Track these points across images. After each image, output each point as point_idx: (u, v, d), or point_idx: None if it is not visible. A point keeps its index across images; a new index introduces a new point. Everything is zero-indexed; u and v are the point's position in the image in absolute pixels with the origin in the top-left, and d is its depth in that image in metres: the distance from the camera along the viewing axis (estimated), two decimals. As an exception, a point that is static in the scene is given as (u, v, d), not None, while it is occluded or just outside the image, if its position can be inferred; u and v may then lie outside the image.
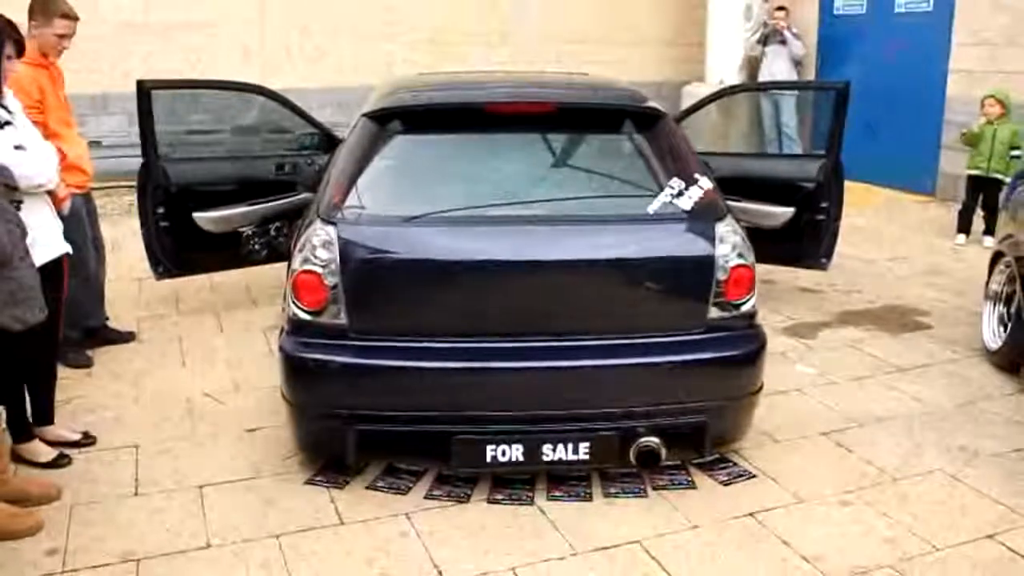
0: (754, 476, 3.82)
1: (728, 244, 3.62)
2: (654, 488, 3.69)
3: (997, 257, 5.27)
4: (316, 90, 9.19)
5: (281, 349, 3.60)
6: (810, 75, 10.89)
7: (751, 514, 3.54)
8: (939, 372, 4.97)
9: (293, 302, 3.55)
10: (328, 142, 5.55)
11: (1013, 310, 4.84)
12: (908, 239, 7.98)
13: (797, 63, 10.61)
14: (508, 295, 3.55)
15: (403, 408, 3.53)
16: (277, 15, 10.11)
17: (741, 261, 3.63)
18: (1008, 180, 6.95)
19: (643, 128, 3.95)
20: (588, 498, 3.62)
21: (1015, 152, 7.47)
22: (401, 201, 3.69)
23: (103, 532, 3.37)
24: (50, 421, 4.01)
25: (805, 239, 5.59)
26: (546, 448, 3.50)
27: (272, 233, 5.47)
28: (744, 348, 3.70)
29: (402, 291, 3.53)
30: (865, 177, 9.08)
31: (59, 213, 3.90)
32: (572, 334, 3.58)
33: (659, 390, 3.61)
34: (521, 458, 3.51)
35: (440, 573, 3.16)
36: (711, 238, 3.62)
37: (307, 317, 3.53)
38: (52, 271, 3.60)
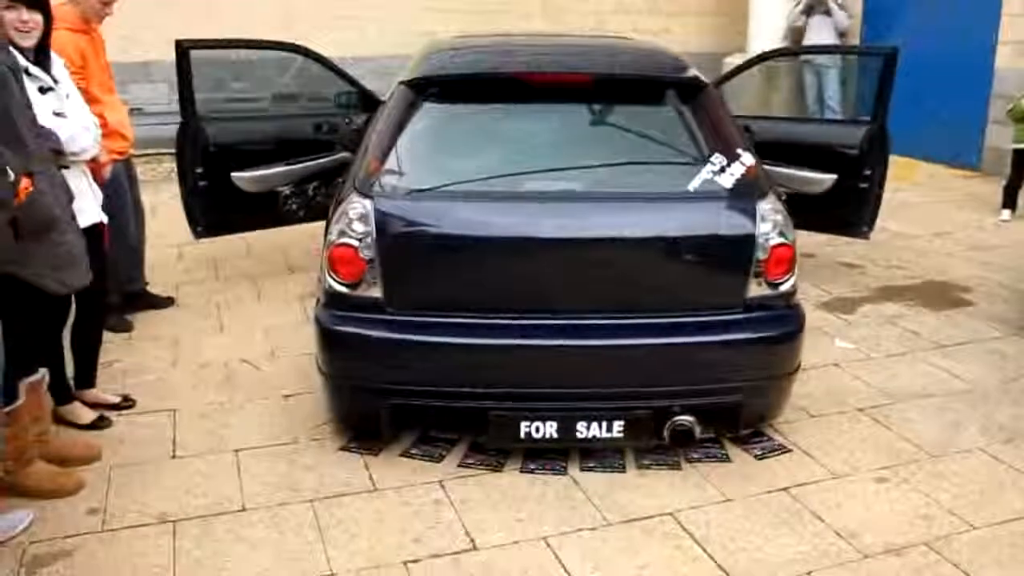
0: (789, 450, 3.79)
1: (769, 223, 3.57)
2: (687, 460, 3.68)
3: (1043, 233, 5.17)
4: (354, 58, 9.19)
5: (317, 321, 3.61)
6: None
7: (785, 489, 3.52)
8: (980, 349, 4.90)
9: (329, 275, 3.56)
10: (366, 101, 5.52)
11: (1058, 288, 4.76)
12: (952, 214, 7.85)
13: (842, 34, 10.42)
14: (545, 271, 3.53)
15: (437, 383, 3.53)
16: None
17: (782, 240, 3.58)
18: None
19: (685, 99, 3.90)
20: (621, 469, 3.62)
21: None
22: (438, 174, 3.67)
23: (141, 494, 3.43)
24: (91, 384, 4.08)
25: (848, 207, 5.46)
26: (580, 425, 3.50)
27: (310, 193, 5.47)
28: (782, 328, 3.66)
29: (438, 265, 3.53)
30: (909, 151, 8.92)
31: (100, 180, 3.94)
32: (609, 312, 3.56)
33: (695, 369, 3.58)
34: (555, 435, 3.51)
35: (472, 540, 3.18)
36: (752, 216, 3.56)
37: (343, 290, 3.53)
38: (92, 237, 3.64)
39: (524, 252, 3.53)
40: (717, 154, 3.67)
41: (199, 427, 3.95)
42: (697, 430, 3.54)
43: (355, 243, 3.48)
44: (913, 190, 8.31)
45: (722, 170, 3.63)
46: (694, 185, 3.61)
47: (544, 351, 3.50)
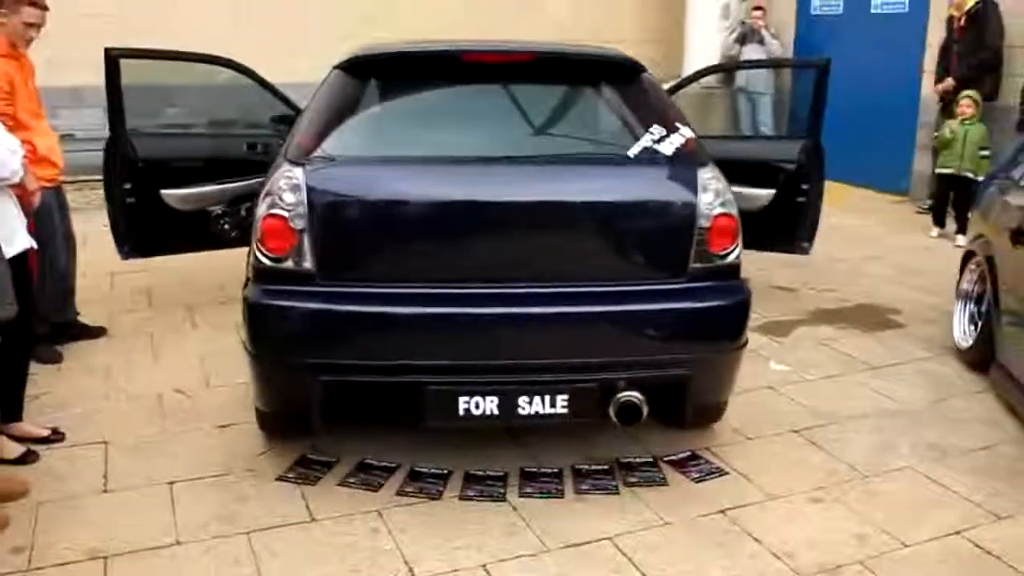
0: (726, 473, 3.82)
1: (711, 192, 3.55)
2: (626, 485, 3.69)
3: (968, 257, 5.31)
4: (294, 85, 9.14)
5: (245, 299, 3.48)
6: (787, 74, 10.92)
7: (723, 511, 3.55)
8: (911, 370, 5.01)
9: (258, 248, 3.44)
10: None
11: (983, 309, 4.88)
12: (882, 238, 8.04)
13: (774, 62, 10.67)
14: (482, 238, 3.47)
15: (372, 357, 3.43)
16: (252, 15, 10.02)
17: (724, 210, 3.56)
18: (979, 178, 7.13)
19: (622, 80, 3.89)
20: (560, 495, 3.62)
21: (984, 152, 7.58)
22: (371, 144, 3.63)
23: (70, 530, 3.34)
24: (18, 417, 3.97)
25: (787, 222, 5.51)
26: (522, 400, 3.40)
27: (243, 213, 5.34)
28: (727, 299, 3.61)
29: (371, 235, 3.45)
30: (840, 176, 9.10)
31: (29, 207, 3.86)
32: (549, 280, 3.49)
33: (639, 340, 3.53)
34: (496, 411, 3.40)
35: (411, 570, 3.15)
36: (693, 185, 3.54)
37: (272, 263, 3.42)
38: (18, 266, 3.56)
39: (460, 217, 3.46)
40: (656, 125, 3.67)
41: (131, 460, 3.86)
42: (645, 409, 3.47)
43: (286, 214, 3.38)
44: (845, 214, 8.48)
45: (661, 139, 3.62)
46: (634, 151, 3.59)
47: (482, 321, 3.41)
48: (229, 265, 5.78)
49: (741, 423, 4.18)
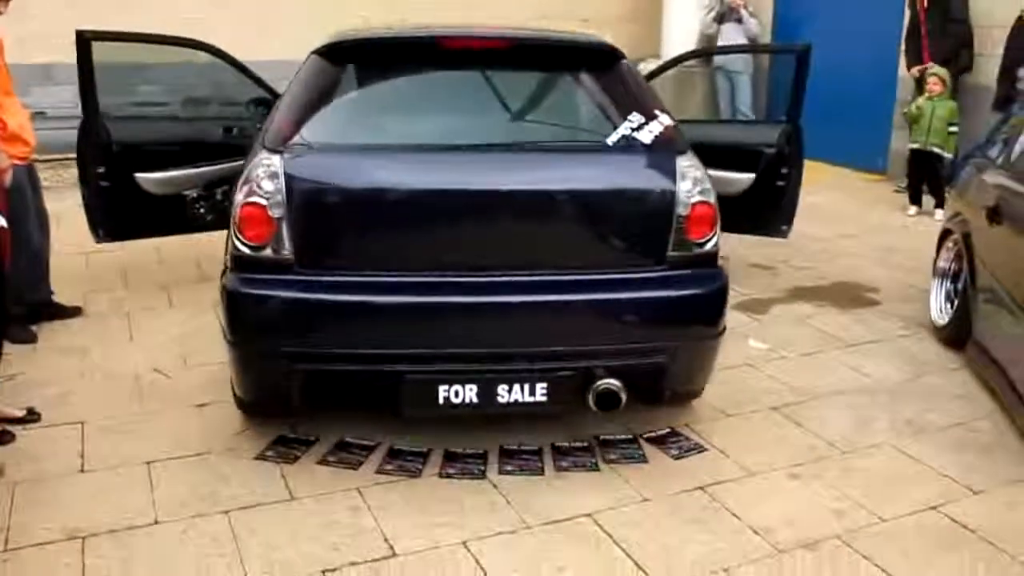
0: (705, 450, 3.84)
1: (689, 180, 3.55)
2: (606, 462, 3.70)
3: (945, 235, 5.35)
4: (275, 62, 9.05)
5: (223, 288, 3.46)
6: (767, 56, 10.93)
7: (702, 487, 3.56)
8: (888, 348, 5.04)
9: (236, 236, 3.41)
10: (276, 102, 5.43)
11: (960, 287, 4.92)
12: (860, 216, 8.08)
13: (753, 41, 10.64)
14: (461, 227, 3.45)
15: (351, 346, 3.42)
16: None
17: (703, 198, 3.56)
18: (947, 155, 7.23)
19: (601, 67, 3.88)
20: (540, 472, 3.62)
21: (952, 128, 7.71)
22: (349, 132, 3.60)
23: (47, 510, 3.31)
24: (-8, 397, 3.93)
25: (766, 206, 5.53)
26: (501, 389, 3.41)
27: (219, 197, 5.32)
28: (705, 287, 3.62)
29: (350, 223, 3.43)
30: (818, 155, 9.14)
31: (0, 186, 3.81)
32: (528, 269, 3.48)
33: (617, 328, 3.54)
34: (475, 400, 3.41)
35: (391, 547, 3.15)
36: (672, 173, 3.54)
37: (251, 252, 3.40)
38: (-9, 244, 3.51)
39: (439, 206, 3.45)
40: (635, 112, 3.66)
41: (109, 439, 3.83)
42: (623, 396, 3.49)
43: (264, 201, 3.36)
44: (822, 193, 8.52)
45: (640, 127, 3.62)
46: (612, 139, 3.59)
47: (461, 309, 3.41)
48: (205, 243, 5.75)
49: (720, 400, 4.19)
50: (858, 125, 9.65)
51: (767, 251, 6.41)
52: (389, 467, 3.62)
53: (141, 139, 5.23)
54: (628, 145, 3.60)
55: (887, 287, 6.06)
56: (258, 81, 5.51)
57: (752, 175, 5.37)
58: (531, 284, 3.46)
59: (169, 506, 3.35)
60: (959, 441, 3.97)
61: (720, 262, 3.71)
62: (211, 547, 3.12)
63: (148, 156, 5.16)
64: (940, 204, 7.52)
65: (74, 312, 5.23)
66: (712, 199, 3.60)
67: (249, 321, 3.48)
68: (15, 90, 4.69)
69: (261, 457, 3.68)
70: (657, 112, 3.71)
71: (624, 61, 3.95)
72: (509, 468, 3.63)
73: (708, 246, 3.62)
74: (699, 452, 3.83)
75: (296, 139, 3.49)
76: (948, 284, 5.22)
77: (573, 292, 3.47)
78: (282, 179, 3.36)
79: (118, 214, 5.21)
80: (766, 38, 10.90)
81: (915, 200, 8.14)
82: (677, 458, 3.77)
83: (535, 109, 3.89)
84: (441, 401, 3.41)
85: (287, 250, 3.39)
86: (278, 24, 10.01)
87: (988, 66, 8.13)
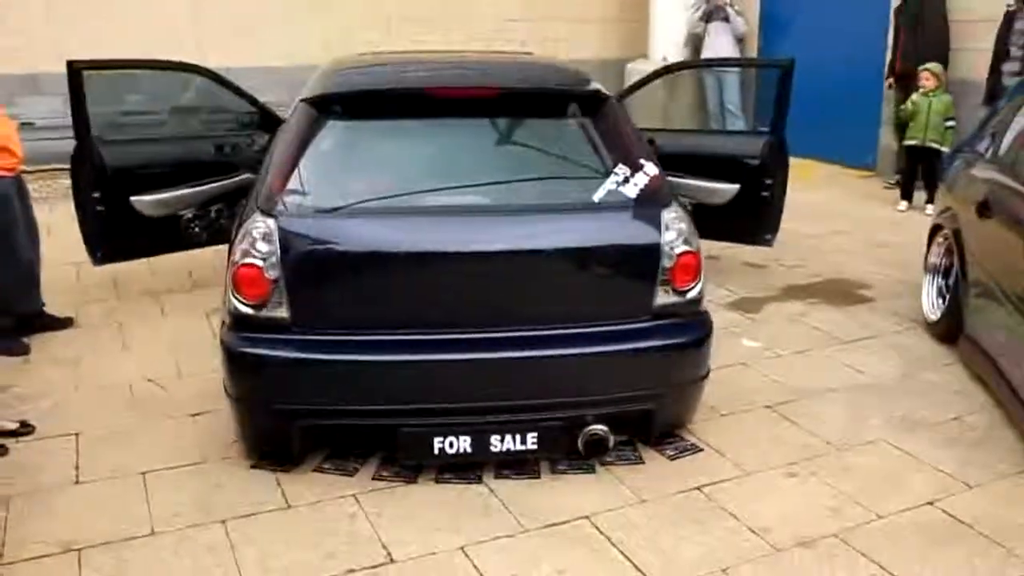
0: (701, 450, 3.85)
1: (674, 231, 3.61)
2: (601, 464, 3.70)
3: (936, 230, 5.36)
4: (257, 69, 9.04)
5: (222, 343, 3.54)
6: (753, 52, 10.92)
7: (698, 487, 3.57)
8: (881, 344, 5.05)
9: (234, 296, 3.48)
10: (267, 120, 5.44)
11: (951, 282, 4.93)
12: (850, 213, 8.09)
13: (740, 40, 10.66)
14: (453, 286, 3.51)
15: (348, 402, 3.50)
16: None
17: (687, 248, 3.62)
18: (945, 149, 7.24)
19: (588, 112, 3.92)
20: (536, 475, 3.63)
21: (949, 123, 7.71)
22: (341, 191, 3.62)
23: (43, 523, 3.30)
24: (-15, 410, 3.92)
25: (750, 216, 5.60)
26: (494, 439, 3.50)
27: (213, 215, 5.36)
28: (691, 335, 3.71)
29: (345, 283, 3.49)
30: (807, 152, 9.18)
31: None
32: (518, 324, 3.56)
33: (606, 379, 3.61)
34: (469, 449, 3.50)
35: (389, 554, 3.15)
36: (657, 225, 3.60)
37: (248, 311, 3.46)
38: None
39: (431, 267, 3.52)
40: (620, 165, 3.71)
41: (103, 450, 3.82)
42: (611, 439, 3.58)
43: (259, 263, 3.41)
44: (813, 190, 8.54)
45: (626, 180, 3.66)
46: (599, 196, 3.63)
47: (454, 366, 3.49)
48: (196, 254, 5.73)
49: (715, 400, 4.19)
50: (847, 122, 9.66)
51: (760, 250, 6.40)
52: (385, 473, 3.62)
53: (135, 162, 5.25)
54: (614, 201, 3.64)
55: (879, 283, 6.08)
56: (247, 97, 5.53)
57: (736, 186, 5.42)
58: (521, 339, 3.54)
59: (165, 516, 3.34)
60: (953, 436, 3.98)
61: (704, 306, 3.80)
62: (208, 557, 3.12)
63: (142, 179, 5.16)
64: (932, 199, 7.51)
65: (66, 323, 5.22)
66: (696, 246, 3.68)
67: (247, 379, 3.56)
68: (0, 101, 4.68)
69: (257, 466, 3.68)
70: (642, 162, 3.74)
71: (610, 102, 3.99)
72: (505, 472, 3.63)
73: (691, 294, 3.69)
74: (695, 452, 3.83)
75: (289, 200, 3.52)
76: (939, 279, 5.23)
77: (562, 346, 3.55)
78: (276, 242, 3.41)
79: (115, 237, 5.23)
80: (753, 36, 10.92)
81: (906, 195, 8.15)
82: (673, 459, 3.78)
83: (523, 164, 3.93)
84: (436, 451, 3.50)
85: (283, 310, 3.45)
86: (263, 30, 10.01)
87: (968, 60, 8.18)
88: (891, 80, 8.86)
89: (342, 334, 3.49)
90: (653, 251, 3.58)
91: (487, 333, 3.53)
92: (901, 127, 8.17)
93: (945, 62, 8.24)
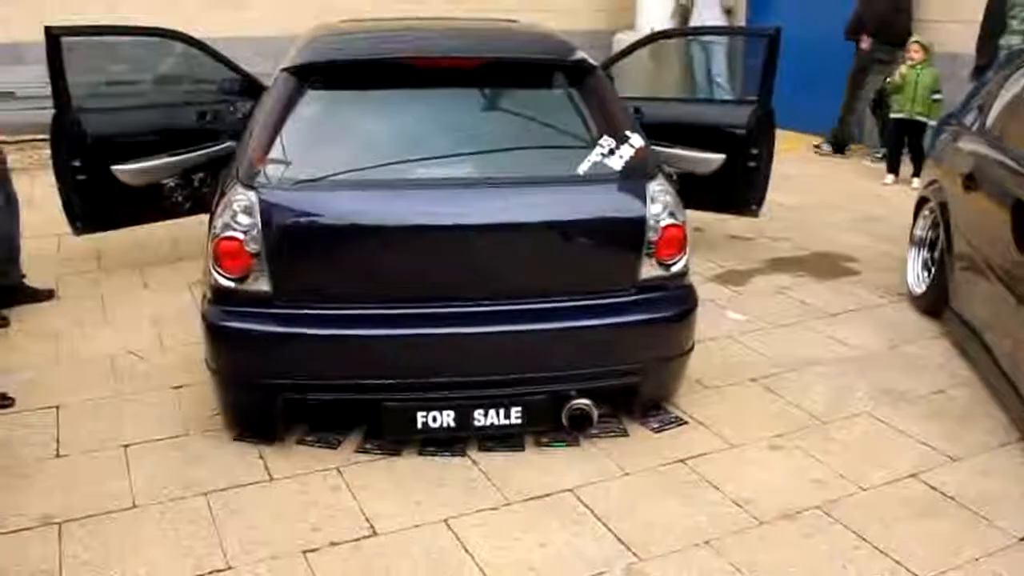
0: (685, 423, 3.85)
1: (659, 204, 3.58)
2: (585, 437, 3.69)
3: (922, 203, 5.35)
4: (246, 39, 8.92)
5: (204, 317, 3.50)
6: (741, 24, 10.87)
7: (682, 460, 3.57)
8: (866, 317, 5.06)
9: (215, 269, 3.44)
10: (250, 87, 5.38)
11: (937, 255, 4.93)
12: (836, 186, 8.08)
13: (727, 11, 10.59)
14: (436, 260, 3.48)
15: (330, 376, 3.48)
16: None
17: (672, 220, 3.60)
18: (931, 122, 7.22)
19: (573, 82, 3.87)
20: (520, 447, 3.62)
21: (936, 96, 7.70)
22: (323, 163, 3.58)
23: (22, 496, 3.27)
24: (-36, 383, 3.88)
25: (736, 185, 5.58)
26: (477, 413, 3.49)
27: (195, 184, 5.31)
28: (675, 308, 3.70)
29: (326, 257, 3.45)
30: (793, 125, 9.15)
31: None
32: (502, 298, 3.54)
33: (590, 352, 3.60)
34: (452, 424, 3.48)
35: (372, 526, 3.14)
36: (642, 198, 3.57)
37: (230, 284, 3.43)
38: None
39: (413, 240, 3.48)
40: (606, 136, 3.67)
41: (84, 423, 3.80)
42: (595, 413, 3.56)
43: (240, 236, 3.37)
44: (798, 163, 8.52)
45: (611, 152, 3.63)
46: (584, 168, 3.60)
47: (437, 340, 3.47)
48: (180, 223, 5.68)
49: (700, 372, 4.18)
50: (833, 95, 9.59)
51: (745, 222, 6.38)
52: (369, 446, 3.60)
53: (115, 130, 5.18)
54: (599, 173, 3.60)
55: (864, 256, 6.07)
56: (228, 64, 5.45)
57: (723, 156, 5.39)
58: (504, 313, 3.52)
59: (147, 490, 3.32)
60: (937, 409, 3.99)
61: (689, 280, 3.78)
62: (190, 530, 3.10)
63: (123, 147, 5.10)
64: (918, 172, 7.52)
65: (47, 295, 5.17)
66: (681, 219, 3.65)
67: (228, 353, 3.53)
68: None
69: (239, 438, 3.66)
70: (628, 133, 3.70)
71: (595, 72, 3.93)
72: (489, 444, 3.62)
73: (676, 267, 3.67)
74: (679, 425, 3.83)
75: (270, 170, 3.47)
76: (925, 252, 5.23)
77: (547, 320, 3.53)
78: (257, 215, 3.37)
79: (96, 206, 5.18)
80: (740, 8, 10.86)
81: (893, 169, 8.15)
82: (658, 431, 3.78)
83: (507, 135, 3.88)
84: (419, 426, 3.48)
85: (265, 284, 3.41)
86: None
87: (942, 34, 8.18)
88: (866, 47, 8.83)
89: (324, 308, 3.47)
90: (638, 224, 3.56)
91: (470, 307, 3.51)
92: (877, 102, 8.20)
93: (897, 31, 8.38)
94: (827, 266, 5.91)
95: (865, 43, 8.71)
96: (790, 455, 3.63)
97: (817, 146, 9.35)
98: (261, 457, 3.54)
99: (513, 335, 3.50)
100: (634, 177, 3.62)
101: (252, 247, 3.38)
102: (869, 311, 5.14)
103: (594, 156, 3.62)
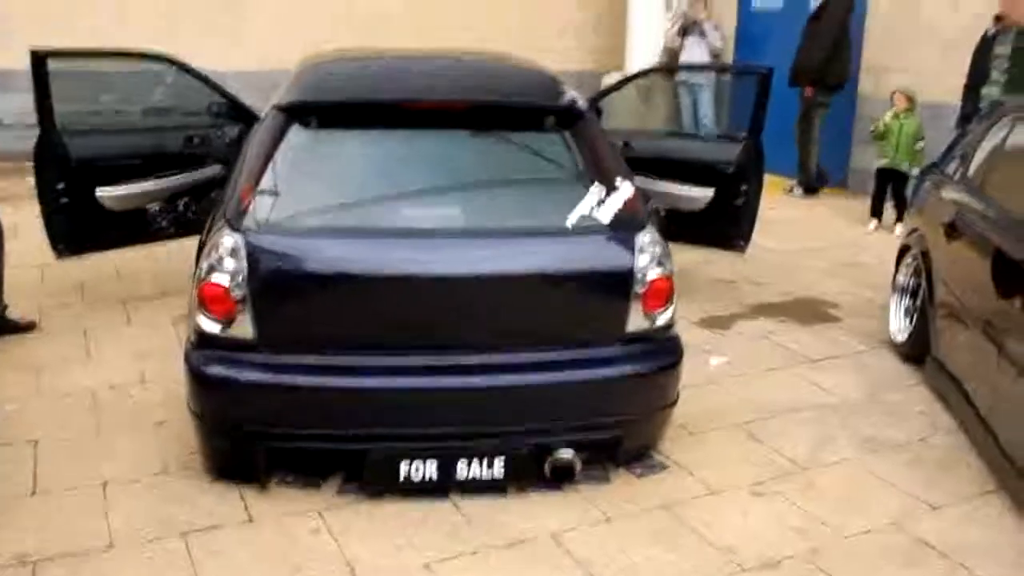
0: (668, 468, 3.84)
1: (647, 255, 3.57)
2: (568, 481, 3.68)
3: (904, 251, 5.40)
4: (234, 73, 8.96)
5: (187, 361, 3.47)
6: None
7: (664, 506, 3.56)
8: (848, 363, 5.08)
9: (199, 313, 3.41)
10: (238, 111, 5.36)
11: (919, 303, 4.97)
12: (820, 232, 8.14)
13: (715, 55, 10.71)
14: (421, 309, 3.45)
15: (312, 426, 3.45)
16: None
17: (660, 272, 3.59)
18: (914, 172, 7.31)
19: (564, 126, 3.87)
20: (502, 492, 3.60)
21: (919, 144, 7.79)
22: (310, 207, 3.56)
23: (-3, 533, 3.24)
24: (-57, 416, 3.84)
25: (723, 221, 5.57)
26: (460, 465, 3.46)
27: (180, 208, 5.29)
28: (661, 361, 3.68)
29: (312, 304, 3.43)
30: (777, 169, 9.24)
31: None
32: (487, 349, 3.52)
33: (575, 405, 3.58)
34: (435, 475, 3.45)
35: (352, 570, 3.12)
36: (631, 250, 3.56)
37: (213, 330, 3.39)
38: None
39: (399, 290, 3.45)
40: (596, 184, 3.66)
41: (63, 459, 3.76)
42: (578, 465, 3.55)
43: (225, 281, 3.34)
44: (782, 208, 8.59)
45: (600, 202, 3.62)
46: (572, 219, 3.58)
47: (422, 391, 3.45)
48: (164, 257, 5.67)
49: (682, 418, 4.17)
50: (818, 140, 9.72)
51: (729, 266, 6.44)
52: (350, 488, 3.57)
53: (100, 153, 5.15)
54: (587, 225, 3.59)
55: (847, 302, 6.11)
56: (217, 88, 5.43)
57: (711, 191, 5.41)
58: (490, 365, 3.50)
59: (125, 529, 3.29)
60: (918, 457, 4.01)
61: (674, 331, 3.77)
62: (168, 572, 3.07)
63: (108, 171, 5.08)
64: (901, 219, 7.61)
65: (29, 327, 5.13)
66: (669, 270, 3.64)
67: (210, 399, 3.49)
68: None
69: (219, 478, 3.62)
70: (618, 182, 3.70)
71: (586, 116, 3.94)
72: (471, 489, 3.59)
73: (662, 319, 3.66)
74: (661, 470, 3.82)
75: (259, 215, 3.43)
76: (907, 300, 5.27)
77: (532, 372, 3.51)
78: (244, 259, 3.34)
79: (78, 228, 5.13)
80: (728, 52, 10.99)
81: (876, 214, 8.20)
82: (640, 477, 3.77)
83: (496, 183, 3.85)
84: (402, 478, 3.45)
85: (249, 329, 3.38)
86: (244, 34, 9.94)
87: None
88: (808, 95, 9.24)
89: (309, 356, 3.43)
90: (626, 276, 3.54)
91: (456, 358, 3.49)
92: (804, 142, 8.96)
93: (835, 76, 8.93)
94: (810, 312, 5.94)
95: (808, 92, 9.14)
96: (772, 501, 3.63)
97: (790, 189, 9.52)
98: (242, 498, 3.51)
99: (499, 387, 3.48)
100: (623, 228, 3.60)
101: (237, 292, 3.34)
102: (851, 358, 5.17)
103: (583, 206, 3.60)
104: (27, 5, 9.02)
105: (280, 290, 3.41)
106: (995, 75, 7.22)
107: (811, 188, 9.48)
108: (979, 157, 4.88)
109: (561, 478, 3.58)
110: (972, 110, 7.10)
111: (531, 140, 3.92)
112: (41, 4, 9.06)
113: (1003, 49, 7.14)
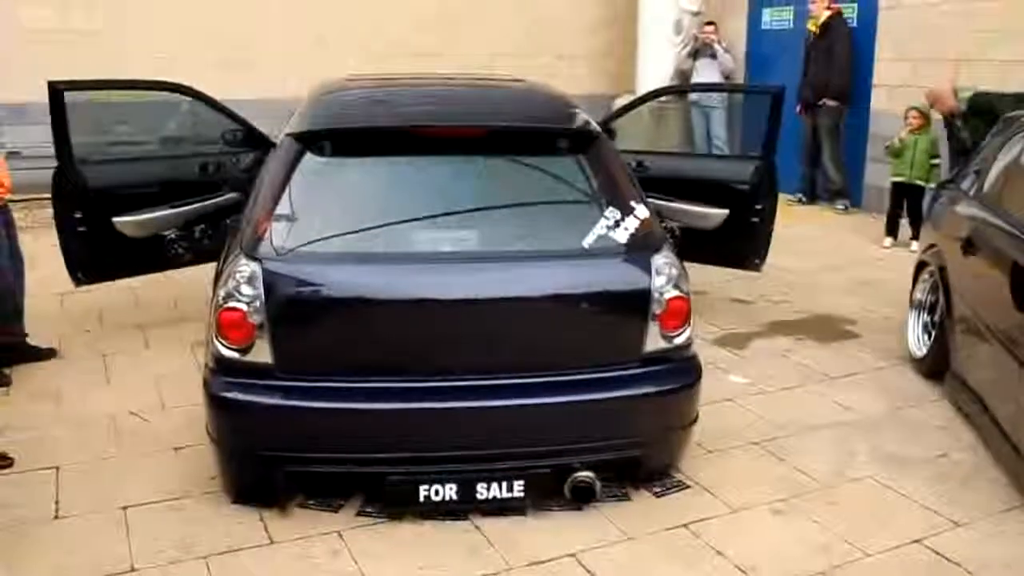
0: (688, 487, 3.83)
1: (664, 276, 3.58)
2: (588, 502, 3.67)
3: (921, 267, 5.38)
4: (246, 101, 9.03)
5: (205, 386, 3.49)
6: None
7: (685, 525, 3.54)
8: (867, 380, 5.05)
9: (217, 339, 3.43)
10: (253, 138, 5.42)
11: (937, 319, 4.95)
12: (836, 250, 8.12)
13: (727, 77, 10.75)
14: (439, 333, 3.47)
15: (332, 450, 3.47)
16: (201, 22, 9.89)
17: (677, 293, 3.59)
18: (929, 187, 7.29)
19: (579, 149, 3.88)
20: (522, 512, 3.59)
21: (935, 160, 7.78)
22: (326, 233, 3.57)
23: (19, 559, 3.25)
24: (-35, 443, 3.86)
25: (739, 240, 5.57)
26: (480, 487, 3.46)
27: (197, 235, 5.33)
28: (680, 381, 3.68)
29: (329, 329, 3.45)
30: (792, 189, 9.25)
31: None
32: (506, 372, 3.52)
33: (594, 426, 3.58)
34: (455, 497, 3.45)
35: (373, 592, 3.11)
36: (647, 271, 3.57)
37: (232, 355, 3.42)
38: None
39: (417, 314, 3.46)
40: (611, 207, 3.67)
41: (84, 485, 3.78)
42: (598, 486, 3.55)
43: (243, 307, 3.36)
44: (798, 226, 8.57)
45: (616, 224, 3.63)
46: (588, 242, 3.59)
47: (441, 414, 3.45)
48: (181, 283, 5.70)
49: (702, 436, 4.16)
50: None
51: (745, 285, 6.43)
52: (370, 509, 3.58)
53: (117, 182, 5.20)
54: (604, 246, 3.60)
55: (865, 319, 6.09)
56: (232, 115, 5.49)
57: (726, 211, 5.41)
58: (509, 387, 3.51)
59: (146, 553, 3.30)
60: (940, 473, 3.98)
61: (692, 351, 3.77)
62: (189, 594, 3.07)
63: (124, 199, 5.12)
64: (917, 236, 7.58)
65: (49, 354, 5.17)
66: (686, 290, 3.65)
67: (229, 424, 3.52)
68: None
69: (239, 501, 3.63)
70: (633, 204, 3.72)
71: (600, 139, 3.96)
72: (491, 509, 3.59)
73: (680, 339, 3.66)
74: (682, 489, 3.81)
75: (275, 242, 3.46)
76: (925, 316, 5.25)
77: (551, 394, 3.52)
78: (261, 286, 3.37)
79: (96, 256, 5.18)
80: (739, 74, 11.02)
81: (891, 231, 8.20)
82: (660, 495, 3.76)
83: (512, 208, 3.86)
84: (422, 499, 3.45)
85: (267, 355, 3.40)
86: (253, 62, 10.01)
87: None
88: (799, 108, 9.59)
89: (327, 381, 3.44)
90: (643, 297, 3.55)
91: (475, 381, 3.49)
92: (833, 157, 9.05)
93: (843, 97, 9.26)
94: (828, 329, 5.92)
95: (833, 103, 9.37)
96: (793, 520, 3.61)
97: (844, 208, 9.58)
98: (261, 520, 3.51)
99: (517, 409, 3.48)
100: (639, 249, 3.61)
101: (255, 318, 3.36)
102: (870, 374, 5.14)
103: (599, 229, 3.61)
104: (41, 41, 9.12)
105: (297, 316, 3.43)
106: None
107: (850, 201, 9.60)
108: (994, 172, 4.87)
109: (581, 498, 3.57)
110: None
111: (546, 163, 3.93)
112: (55, 39, 9.15)
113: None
